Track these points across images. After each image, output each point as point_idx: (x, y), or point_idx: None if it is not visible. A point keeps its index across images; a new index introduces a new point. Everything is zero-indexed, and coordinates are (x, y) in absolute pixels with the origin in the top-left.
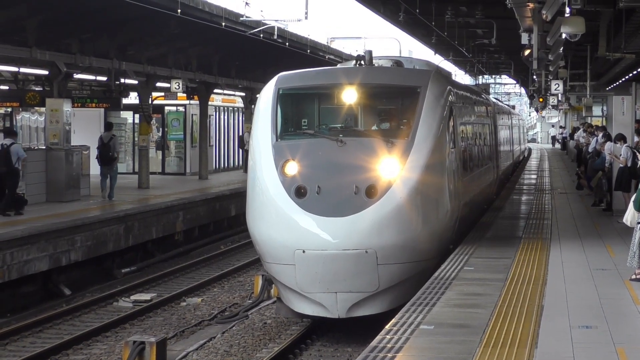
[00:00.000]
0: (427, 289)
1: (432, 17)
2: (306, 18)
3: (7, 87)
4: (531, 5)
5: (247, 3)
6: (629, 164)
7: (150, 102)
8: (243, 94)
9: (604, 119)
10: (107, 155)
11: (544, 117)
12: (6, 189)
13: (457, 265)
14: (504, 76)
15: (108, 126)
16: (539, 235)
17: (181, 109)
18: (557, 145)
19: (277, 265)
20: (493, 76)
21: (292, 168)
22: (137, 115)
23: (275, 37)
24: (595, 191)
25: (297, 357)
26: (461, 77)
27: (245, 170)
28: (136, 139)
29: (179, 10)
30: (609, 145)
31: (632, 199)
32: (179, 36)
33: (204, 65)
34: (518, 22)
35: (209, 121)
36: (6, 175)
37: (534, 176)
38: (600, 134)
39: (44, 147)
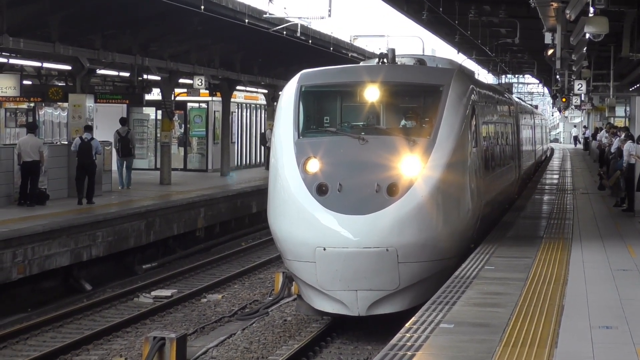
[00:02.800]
0: (448, 287)
1: (455, 16)
2: (329, 16)
3: (30, 82)
4: (555, 4)
5: (270, 0)
6: None
7: (172, 98)
8: (265, 91)
9: (627, 119)
10: (128, 147)
11: (566, 117)
12: (87, 179)
13: (477, 265)
14: (527, 76)
15: (123, 121)
16: (560, 235)
17: (203, 105)
18: (579, 146)
19: (297, 262)
20: (516, 75)
21: (314, 165)
22: (159, 112)
23: (299, 34)
24: (614, 190)
25: (317, 355)
26: (484, 76)
27: (267, 167)
28: (158, 135)
29: (202, 7)
30: (629, 145)
31: None
32: (202, 33)
33: (226, 62)
34: (541, 22)
35: (231, 118)
36: (88, 167)
37: (556, 176)
38: (623, 135)
39: (66, 143)
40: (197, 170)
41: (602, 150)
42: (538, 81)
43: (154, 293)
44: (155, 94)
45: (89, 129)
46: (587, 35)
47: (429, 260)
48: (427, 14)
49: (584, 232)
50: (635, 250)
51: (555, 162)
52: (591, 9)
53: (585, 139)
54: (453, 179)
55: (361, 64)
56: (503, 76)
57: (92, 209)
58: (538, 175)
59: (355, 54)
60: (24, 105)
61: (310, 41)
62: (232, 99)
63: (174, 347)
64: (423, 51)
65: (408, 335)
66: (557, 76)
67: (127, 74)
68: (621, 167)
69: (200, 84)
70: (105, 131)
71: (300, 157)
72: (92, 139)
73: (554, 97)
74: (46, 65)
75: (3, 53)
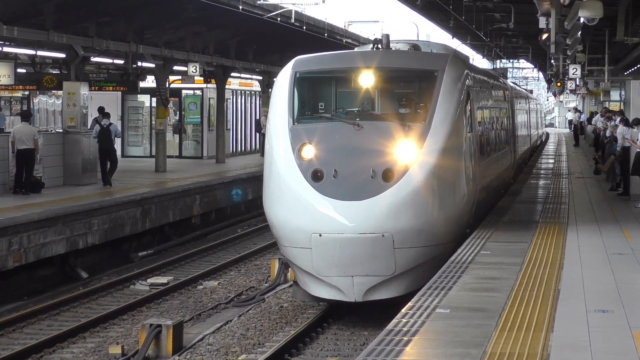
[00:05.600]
0: (444, 272)
1: (449, 0)
2: (324, 1)
3: (24, 70)
4: None
5: None
6: None
7: (167, 85)
8: (260, 77)
9: (622, 103)
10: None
11: (561, 101)
12: (108, 164)
13: (473, 249)
14: (521, 60)
15: (102, 111)
16: (556, 219)
17: (198, 92)
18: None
19: (293, 248)
20: (511, 60)
21: (309, 152)
22: (154, 99)
23: (293, 20)
24: (608, 175)
25: (314, 341)
26: (479, 61)
27: (262, 154)
28: (153, 122)
29: None
30: (622, 129)
31: None
32: (196, 20)
33: (221, 49)
34: (536, 6)
35: (226, 105)
36: (109, 151)
37: (551, 160)
38: (618, 119)
39: (61, 131)
40: (193, 157)
41: (597, 135)
42: (533, 66)
43: (150, 280)
44: (149, 82)
45: (107, 115)
46: (582, 20)
47: (425, 245)
48: None
49: (579, 217)
50: (631, 234)
51: (550, 147)
52: None
53: (575, 126)
54: (448, 164)
55: (356, 49)
56: (498, 61)
57: (112, 192)
58: (533, 160)
59: (349, 40)
60: (19, 94)
61: (304, 27)
62: (226, 86)
63: (171, 334)
64: (417, 37)
65: (404, 320)
66: (552, 61)
67: (121, 62)
68: (615, 151)
69: (194, 71)
70: None
71: (295, 144)
72: (111, 124)
73: (548, 81)
74: (40, 53)
75: None
